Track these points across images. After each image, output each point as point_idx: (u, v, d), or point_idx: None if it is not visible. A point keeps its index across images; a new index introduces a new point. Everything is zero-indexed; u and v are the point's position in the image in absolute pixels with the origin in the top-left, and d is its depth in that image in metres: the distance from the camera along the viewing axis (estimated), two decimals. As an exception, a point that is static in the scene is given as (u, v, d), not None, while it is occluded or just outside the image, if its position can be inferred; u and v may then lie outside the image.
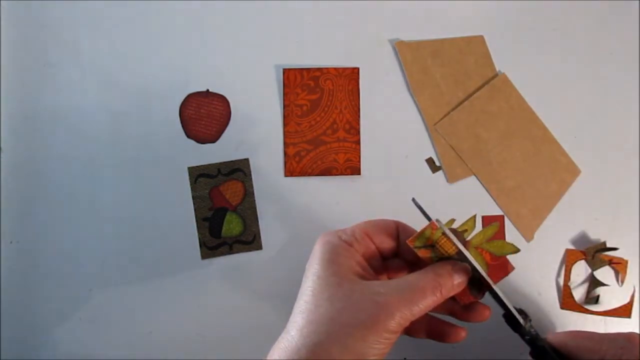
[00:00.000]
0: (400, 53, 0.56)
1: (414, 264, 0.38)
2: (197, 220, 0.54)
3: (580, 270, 0.54)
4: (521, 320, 0.35)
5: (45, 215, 0.54)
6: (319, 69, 0.55)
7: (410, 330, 0.38)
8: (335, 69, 0.55)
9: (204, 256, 0.53)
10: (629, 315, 0.53)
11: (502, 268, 0.37)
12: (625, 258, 0.53)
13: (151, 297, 0.53)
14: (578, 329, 0.53)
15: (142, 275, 0.53)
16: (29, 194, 0.54)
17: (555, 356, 0.35)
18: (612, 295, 0.53)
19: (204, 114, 0.55)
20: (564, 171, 0.56)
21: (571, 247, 0.54)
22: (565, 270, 0.54)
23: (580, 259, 0.54)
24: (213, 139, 0.55)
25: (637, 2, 0.58)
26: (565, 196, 0.55)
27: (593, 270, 0.53)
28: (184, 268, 0.54)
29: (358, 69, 0.56)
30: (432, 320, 0.38)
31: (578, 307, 0.53)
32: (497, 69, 0.57)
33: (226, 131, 0.55)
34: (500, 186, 0.55)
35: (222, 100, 0.55)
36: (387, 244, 0.38)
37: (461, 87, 0.56)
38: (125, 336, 0.53)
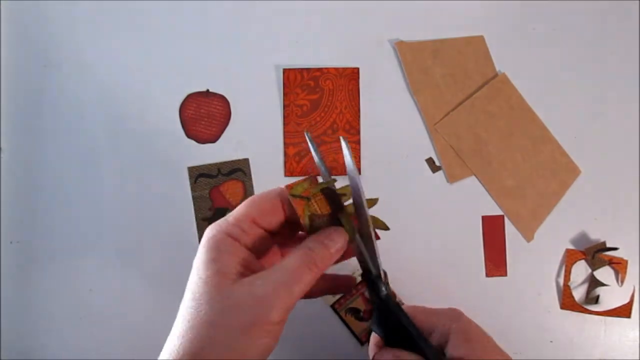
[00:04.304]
0: (400, 53, 0.56)
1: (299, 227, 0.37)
2: (197, 220, 0.54)
3: (580, 270, 0.54)
4: (382, 278, 0.35)
5: (45, 215, 0.54)
6: (319, 69, 0.55)
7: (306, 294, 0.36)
8: (335, 69, 0.55)
9: (204, 256, 0.53)
10: (628, 315, 0.53)
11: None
12: (625, 258, 0.53)
13: (151, 297, 0.53)
14: (579, 329, 0.53)
15: (142, 275, 0.53)
16: (29, 194, 0.54)
17: (404, 315, 0.35)
18: (612, 295, 0.53)
19: (204, 114, 0.55)
20: (564, 171, 0.56)
21: (571, 247, 0.54)
22: (565, 270, 0.54)
23: (580, 259, 0.54)
24: (213, 139, 0.55)
25: (637, 2, 0.58)
26: (565, 196, 0.55)
27: (593, 270, 0.53)
28: (184, 268, 0.53)
29: (358, 69, 0.56)
30: (324, 278, 0.37)
31: (578, 307, 0.53)
32: (497, 69, 0.57)
33: (226, 131, 0.55)
34: (500, 186, 0.55)
35: (222, 100, 0.55)
36: (274, 222, 0.36)
37: (461, 87, 0.56)
38: (125, 336, 0.53)
